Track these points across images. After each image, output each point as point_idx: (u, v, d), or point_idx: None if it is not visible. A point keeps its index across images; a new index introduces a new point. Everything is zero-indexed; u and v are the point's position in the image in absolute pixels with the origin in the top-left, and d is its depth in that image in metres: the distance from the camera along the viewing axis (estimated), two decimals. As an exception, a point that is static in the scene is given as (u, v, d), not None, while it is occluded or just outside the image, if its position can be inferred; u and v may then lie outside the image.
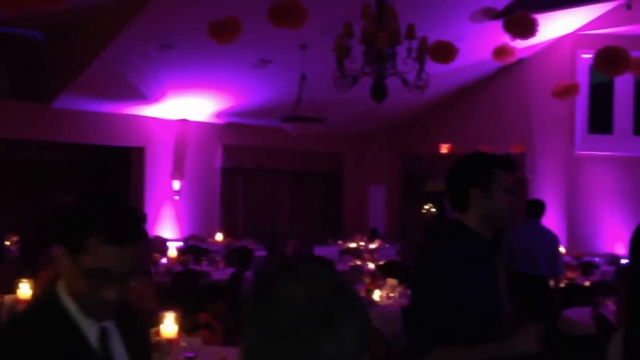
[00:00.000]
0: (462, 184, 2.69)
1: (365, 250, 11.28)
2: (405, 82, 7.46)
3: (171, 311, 4.16)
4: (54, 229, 1.86)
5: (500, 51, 8.89)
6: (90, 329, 1.85)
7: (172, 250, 8.82)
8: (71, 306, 1.83)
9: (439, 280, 2.56)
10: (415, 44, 7.85)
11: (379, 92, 8.11)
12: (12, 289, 5.76)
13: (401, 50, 7.88)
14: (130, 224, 1.81)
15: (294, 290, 1.23)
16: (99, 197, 1.87)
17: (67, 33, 9.37)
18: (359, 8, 7.86)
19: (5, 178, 10.63)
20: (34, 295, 5.59)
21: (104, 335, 1.88)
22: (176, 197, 11.88)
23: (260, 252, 10.84)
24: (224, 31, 7.28)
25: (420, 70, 7.78)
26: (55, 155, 11.33)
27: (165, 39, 8.57)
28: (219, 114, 11.80)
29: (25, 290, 5.68)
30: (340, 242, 12.37)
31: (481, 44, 9.86)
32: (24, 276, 5.94)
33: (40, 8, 5.49)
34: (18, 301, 5.60)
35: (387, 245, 12.29)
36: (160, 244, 10.07)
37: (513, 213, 2.80)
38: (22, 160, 11.05)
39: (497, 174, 2.65)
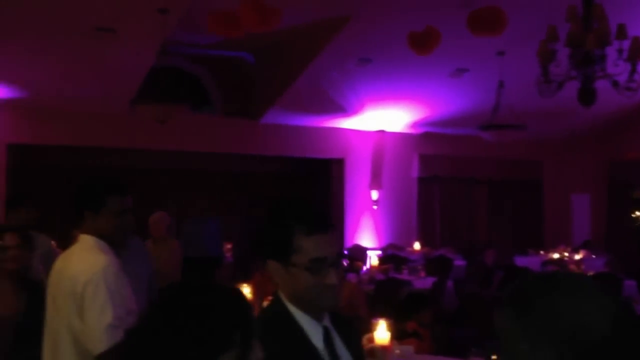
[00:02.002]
0: None
1: (571, 261, 10.80)
2: (616, 84, 7.07)
3: (381, 318, 4.25)
4: (261, 248, 2.02)
5: None
6: (314, 331, 1.96)
7: (374, 259, 9.00)
8: (294, 310, 1.96)
9: None
10: (626, 44, 7.43)
11: (587, 95, 7.76)
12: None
13: (611, 51, 7.49)
14: (321, 212, 1.96)
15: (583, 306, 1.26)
16: (285, 201, 2.02)
17: (273, 53, 9.94)
18: (562, 11, 7.58)
19: (218, 190, 11.44)
20: (250, 299, 5.98)
21: (327, 335, 1.98)
22: (375, 207, 12.09)
23: (459, 262, 10.74)
24: (423, 42, 7.35)
25: (633, 71, 7.35)
26: (262, 167, 12.03)
27: (364, 53, 8.81)
28: (415, 124, 11.88)
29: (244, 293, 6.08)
30: (541, 252, 11.93)
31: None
32: (239, 281, 6.40)
33: (254, 30, 5.88)
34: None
35: (594, 256, 11.66)
36: (361, 253, 10.30)
37: None
38: (232, 173, 11.84)
39: None
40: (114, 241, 3.19)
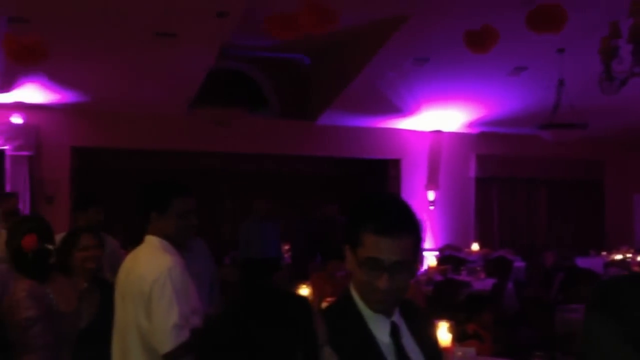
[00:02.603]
0: None
1: (634, 262, 10.54)
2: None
3: (442, 320, 4.23)
4: (343, 230, 2.05)
5: None
6: (380, 325, 1.97)
7: (432, 260, 8.93)
8: (360, 303, 1.98)
9: None
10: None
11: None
12: (291, 293, 6.22)
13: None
14: (399, 217, 1.93)
15: None
16: (374, 194, 2.04)
17: (329, 55, 9.97)
18: (623, 6, 7.40)
19: (275, 191, 11.50)
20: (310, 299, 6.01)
21: (394, 330, 1.98)
22: (431, 207, 12.01)
23: (518, 263, 10.58)
24: (480, 40, 7.28)
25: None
26: (319, 169, 12.08)
27: (420, 53, 8.77)
28: (471, 124, 11.76)
29: (304, 294, 6.13)
30: (603, 253, 11.66)
31: None
32: (297, 282, 6.43)
33: (312, 32, 5.91)
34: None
35: (657, 258, 11.35)
36: (418, 254, 10.22)
37: None
38: (289, 174, 11.91)
39: None
40: (178, 242, 3.26)
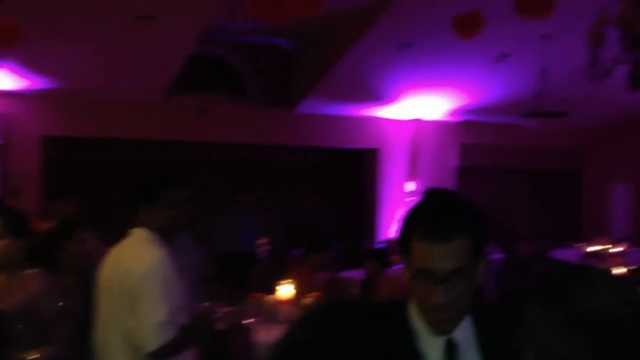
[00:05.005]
0: None
1: (611, 254, 10.50)
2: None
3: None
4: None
5: None
6: (432, 341, 1.73)
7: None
8: (414, 314, 1.74)
9: None
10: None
11: (636, 80, 7.52)
12: (270, 289, 6.02)
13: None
14: (448, 217, 1.69)
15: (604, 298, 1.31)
16: (427, 192, 1.81)
17: (312, 40, 9.73)
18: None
19: (254, 182, 11.28)
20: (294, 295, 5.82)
21: (450, 349, 1.73)
22: (407, 199, 11.86)
23: (496, 255, 10.49)
24: (468, 25, 7.13)
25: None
26: (296, 158, 11.85)
27: (405, 38, 8.58)
28: (454, 112, 11.62)
29: (285, 291, 5.91)
30: (581, 244, 11.62)
31: None
32: (278, 277, 6.21)
33: (297, 15, 5.70)
34: (280, 302, 5.83)
35: (635, 249, 11.36)
36: (396, 247, 10.08)
37: None
38: (268, 164, 11.67)
39: None
40: (170, 234, 3.09)
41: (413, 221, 1.71)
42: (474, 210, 1.73)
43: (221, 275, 7.34)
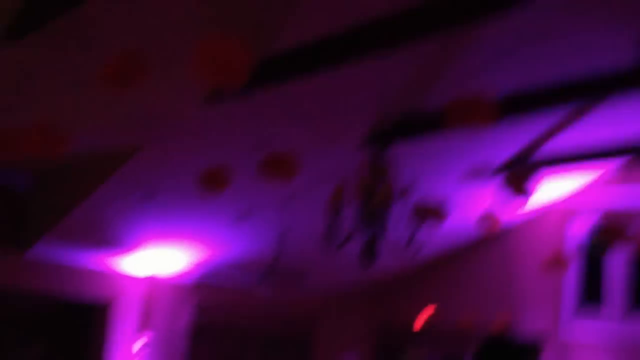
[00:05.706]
0: None
1: None
2: (401, 244, 7.34)
3: None
4: None
5: (486, 219, 8.75)
6: None
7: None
8: None
9: None
10: (408, 205, 7.78)
11: (369, 256, 7.89)
12: None
13: (394, 211, 7.78)
14: None
15: None
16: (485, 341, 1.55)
17: (53, 179, 8.97)
18: (353, 164, 7.79)
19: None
20: None
21: None
22: (140, 358, 11.13)
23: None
24: (214, 181, 7.08)
25: (415, 233, 7.68)
26: (24, 306, 10.66)
27: (150, 187, 8.31)
28: (189, 272, 11.27)
29: None
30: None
31: (468, 208, 9.74)
32: None
33: (36, 155, 5.18)
34: None
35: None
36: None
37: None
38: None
39: None
40: None
41: None
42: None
43: None
